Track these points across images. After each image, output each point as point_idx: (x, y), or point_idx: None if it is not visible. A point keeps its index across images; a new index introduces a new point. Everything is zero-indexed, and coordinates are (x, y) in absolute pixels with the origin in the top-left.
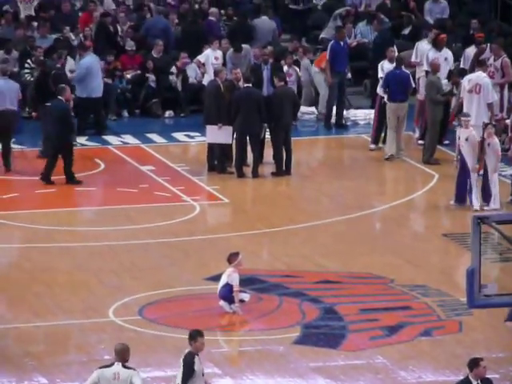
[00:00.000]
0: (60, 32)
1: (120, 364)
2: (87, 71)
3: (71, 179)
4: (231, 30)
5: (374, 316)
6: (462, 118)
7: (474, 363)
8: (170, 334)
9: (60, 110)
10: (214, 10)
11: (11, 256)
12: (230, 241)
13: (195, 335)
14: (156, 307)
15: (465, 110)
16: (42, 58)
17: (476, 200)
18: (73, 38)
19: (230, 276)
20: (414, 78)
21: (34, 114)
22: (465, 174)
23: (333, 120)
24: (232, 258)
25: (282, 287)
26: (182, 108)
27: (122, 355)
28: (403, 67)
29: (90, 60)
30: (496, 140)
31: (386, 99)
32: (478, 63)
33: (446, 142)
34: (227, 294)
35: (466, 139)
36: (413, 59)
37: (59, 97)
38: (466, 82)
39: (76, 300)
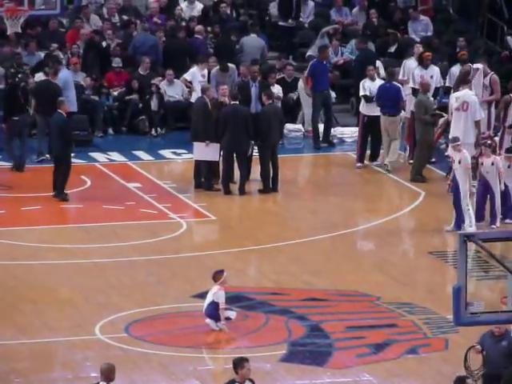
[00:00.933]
0: (47, 49)
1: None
2: (64, 85)
3: (60, 194)
4: (216, 47)
5: (360, 334)
6: (452, 144)
7: (459, 382)
8: (157, 351)
9: (60, 123)
10: (199, 27)
11: None
12: (216, 258)
13: (240, 362)
14: (142, 325)
15: (452, 127)
16: (12, 70)
17: (469, 225)
18: (61, 55)
19: (216, 294)
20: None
21: (3, 125)
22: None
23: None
24: (217, 276)
25: (269, 305)
26: (155, 127)
27: (107, 375)
28: (393, 81)
29: (66, 74)
30: (465, 154)
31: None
32: (464, 81)
33: (433, 159)
34: (213, 311)
35: (459, 162)
36: (400, 77)
37: (59, 110)
38: (454, 99)
39: (62, 317)
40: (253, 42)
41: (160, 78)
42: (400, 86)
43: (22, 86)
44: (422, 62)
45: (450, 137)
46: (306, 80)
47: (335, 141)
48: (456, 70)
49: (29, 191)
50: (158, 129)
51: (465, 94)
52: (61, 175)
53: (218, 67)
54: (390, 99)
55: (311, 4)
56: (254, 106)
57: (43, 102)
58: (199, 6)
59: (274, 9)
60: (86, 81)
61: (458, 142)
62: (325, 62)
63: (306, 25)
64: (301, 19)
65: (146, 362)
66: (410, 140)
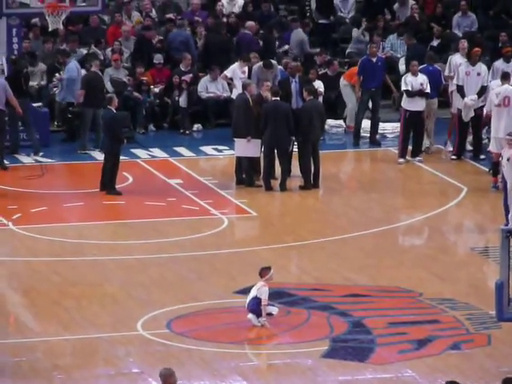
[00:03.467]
0: (88, 46)
1: None
2: (77, 75)
3: (112, 190)
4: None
5: (402, 329)
6: (507, 137)
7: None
8: (199, 347)
9: (109, 120)
10: (251, 23)
11: (40, 270)
12: (257, 254)
13: None
14: (184, 321)
15: (493, 124)
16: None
17: None
18: (99, 52)
19: (260, 289)
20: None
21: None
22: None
23: (364, 134)
24: (264, 272)
25: (310, 301)
26: (186, 125)
27: (166, 379)
28: (435, 64)
29: (75, 65)
30: None
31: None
32: (503, 76)
33: (482, 156)
34: (255, 307)
35: (508, 159)
36: (446, 73)
37: (108, 106)
38: (494, 96)
39: (104, 313)
40: (297, 36)
41: (191, 75)
42: (440, 69)
43: (25, 72)
44: (471, 58)
45: (493, 133)
46: (356, 77)
47: (377, 136)
48: (499, 65)
49: (71, 187)
50: (196, 126)
51: (506, 89)
52: (109, 171)
53: (260, 64)
54: (431, 82)
55: None
56: (295, 101)
57: (91, 94)
58: (240, 2)
59: (314, 4)
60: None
61: None
62: (374, 60)
63: (347, 20)
64: (341, 14)
65: (189, 358)
66: (453, 136)
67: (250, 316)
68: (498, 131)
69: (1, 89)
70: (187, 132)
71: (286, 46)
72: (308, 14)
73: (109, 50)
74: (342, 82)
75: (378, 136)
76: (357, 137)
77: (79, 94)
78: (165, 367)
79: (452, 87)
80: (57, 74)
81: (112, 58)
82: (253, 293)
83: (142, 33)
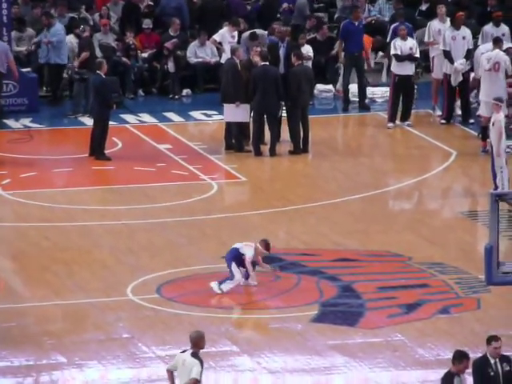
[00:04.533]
0: (76, 11)
1: (190, 351)
2: (63, 37)
3: (101, 155)
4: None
5: (391, 294)
6: (493, 102)
7: (488, 341)
8: (188, 312)
9: (97, 84)
10: None
11: (29, 235)
12: (247, 219)
13: (460, 357)
14: (174, 286)
15: (485, 88)
16: None
17: (501, 186)
18: (89, 16)
19: (247, 247)
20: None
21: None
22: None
23: (353, 99)
24: (263, 244)
25: (300, 265)
26: (175, 90)
27: (197, 342)
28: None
29: (62, 27)
30: (499, 116)
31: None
32: (494, 41)
33: (471, 121)
34: (231, 256)
35: (493, 124)
36: (426, 39)
37: (98, 71)
38: (485, 60)
39: (94, 279)
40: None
41: (174, 41)
42: None
43: None
44: (455, 23)
45: (482, 97)
46: (339, 44)
47: (366, 101)
48: (489, 29)
49: (60, 153)
50: (185, 91)
51: (497, 54)
52: (98, 136)
53: (248, 35)
54: None
55: None
56: (283, 66)
57: (89, 59)
58: None
59: None
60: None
61: (501, 103)
62: (357, 23)
63: None
64: None
65: (178, 323)
66: (437, 100)
67: (212, 284)
68: (489, 95)
69: (2, 52)
70: (176, 97)
71: (285, 4)
72: None
73: (97, 14)
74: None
75: (367, 100)
76: (346, 101)
77: (83, 57)
78: (195, 330)
79: (433, 52)
80: (42, 37)
81: (101, 22)
82: (237, 245)
83: None
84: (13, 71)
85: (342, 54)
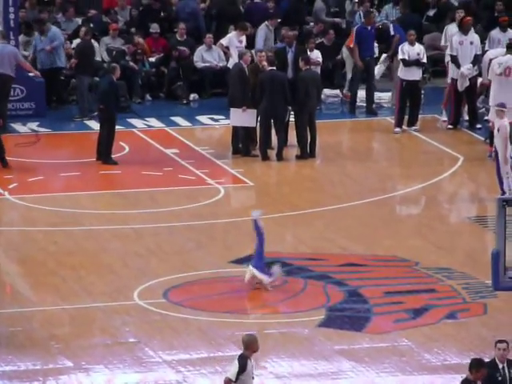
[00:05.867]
0: (84, 15)
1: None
2: (62, 40)
3: (108, 159)
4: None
5: (398, 299)
6: (497, 108)
7: (495, 345)
8: (195, 316)
9: (107, 87)
10: None
11: (36, 239)
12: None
13: (478, 365)
14: (181, 290)
15: (495, 93)
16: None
17: (509, 191)
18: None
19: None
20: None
21: None
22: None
23: (360, 103)
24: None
25: (307, 270)
26: (184, 95)
27: (249, 345)
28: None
29: (58, 30)
30: (504, 122)
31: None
32: (508, 46)
33: (478, 126)
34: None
35: (498, 130)
36: (442, 43)
37: (111, 75)
38: (496, 65)
39: (101, 283)
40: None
41: (183, 48)
42: None
43: None
44: (463, 27)
45: (492, 102)
46: (354, 48)
47: (373, 106)
48: (496, 34)
49: (67, 157)
50: (193, 96)
51: (509, 59)
52: (105, 141)
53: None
54: None
55: None
56: (291, 71)
57: (83, 62)
58: None
59: None
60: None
61: (505, 109)
62: (369, 28)
63: None
64: None
65: (185, 328)
66: (449, 105)
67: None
68: (499, 101)
69: (12, 56)
70: (184, 101)
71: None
72: None
73: (105, 18)
74: (345, 51)
75: (374, 105)
76: (353, 106)
77: (72, 63)
78: (248, 333)
79: (448, 57)
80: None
81: (110, 27)
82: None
83: (148, 2)
84: (29, 69)
85: (358, 58)
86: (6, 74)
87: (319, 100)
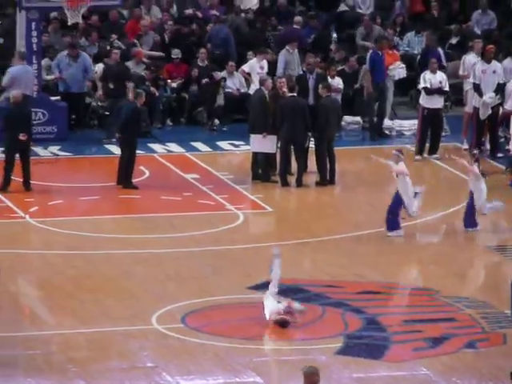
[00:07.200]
0: (107, 40)
1: None
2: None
3: (129, 184)
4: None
5: (417, 327)
6: None
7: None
8: (213, 342)
9: (130, 113)
10: (298, 18)
11: (56, 263)
12: (272, 250)
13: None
14: (199, 315)
15: None
16: None
17: None
18: (122, 46)
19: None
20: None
21: None
22: None
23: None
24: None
25: (325, 297)
26: (210, 122)
27: (311, 378)
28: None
29: (88, 57)
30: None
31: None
32: None
33: (500, 154)
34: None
35: None
36: (460, 72)
37: (134, 100)
38: None
39: (119, 307)
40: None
41: (218, 74)
42: None
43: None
44: (485, 56)
45: None
46: (367, 74)
47: (394, 133)
48: (508, 63)
49: (87, 181)
50: (216, 121)
51: None
52: (125, 165)
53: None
54: None
55: None
56: (312, 97)
57: (118, 86)
58: None
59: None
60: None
61: None
62: (381, 54)
63: (366, 17)
64: (360, 11)
65: (203, 353)
66: (467, 133)
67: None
68: None
69: (31, 75)
70: (224, 129)
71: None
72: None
73: (128, 43)
74: (364, 76)
75: (387, 131)
76: (373, 131)
77: (103, 87)
78: (309, 365)
79: (467, 86)
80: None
81: (134, 52)
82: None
83: (178, 27)
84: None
85: (370, 84)
86: (27, 95)
87: (339, 128)
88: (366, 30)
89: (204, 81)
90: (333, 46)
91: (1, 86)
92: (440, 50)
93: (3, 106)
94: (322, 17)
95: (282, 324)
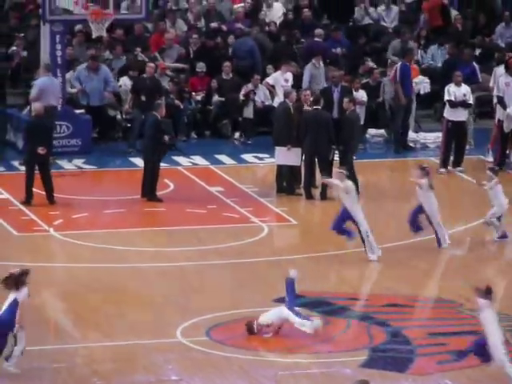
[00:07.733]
0: (131, 53)
1: None
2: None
3: (153, 197)
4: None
5: (442, 340)
6: None
7: None
8: (237, 355)
9: (152, 125)
10: (319, 31)
11: (81, 276)
12: (297, 262)
13: None
14: (224, 328)
15: None
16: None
17: None
18: (146, 59)
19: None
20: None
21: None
22: None
23: (410, 144)
24: None
25: (350, 310)
26: (248, 134)
27: None
28: None
29: (108, 69)
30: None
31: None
32: None
33: None
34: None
35: None
36: (491, 84)
37: (154, 112)
38: None
39: (144, 320)
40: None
41: (249, 88)
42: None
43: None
44: (509, 69)
45: None
46: (397, 85)
47: (418, 146)
48: None
49: (112, 194)
50: (236, 134)
51: None
52: (149, 178)
53: (311, 63)
54: None
55: (395, 9)
56: (336, 110)
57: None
58: (278, 9)
59: (357, 13)
60: (169, 85)
61: None
62: (409, 66)
63: (390, 30)
64: (385, 24)
65: (227, 366)
66: (494, 146)
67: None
68: None
69: (57, 86)
70: (249, 142)
71: (338, 49)
72: (351, 23)
73: (149, 56)
74: (387, 89)
75: (416, 144)
76: (397, 144)
77: (130, 99)
78: (361, 379)
79: (496, 98)
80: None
81: (159, 65)
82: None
83: (203, 41)
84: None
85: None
86: (52, 105)
87: (361, 141)
88: (402, 45)
89: (240, 94)
90: (367, 59)
91: (29, 99)
92: (475, 65)
93: (26, 119)
94: (342, 29)
95: (249, 329)
